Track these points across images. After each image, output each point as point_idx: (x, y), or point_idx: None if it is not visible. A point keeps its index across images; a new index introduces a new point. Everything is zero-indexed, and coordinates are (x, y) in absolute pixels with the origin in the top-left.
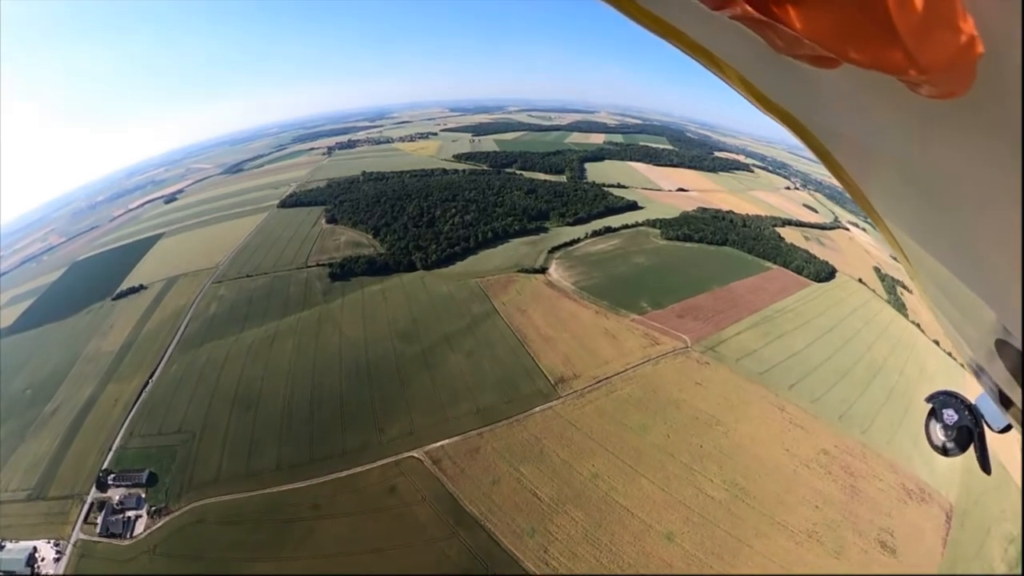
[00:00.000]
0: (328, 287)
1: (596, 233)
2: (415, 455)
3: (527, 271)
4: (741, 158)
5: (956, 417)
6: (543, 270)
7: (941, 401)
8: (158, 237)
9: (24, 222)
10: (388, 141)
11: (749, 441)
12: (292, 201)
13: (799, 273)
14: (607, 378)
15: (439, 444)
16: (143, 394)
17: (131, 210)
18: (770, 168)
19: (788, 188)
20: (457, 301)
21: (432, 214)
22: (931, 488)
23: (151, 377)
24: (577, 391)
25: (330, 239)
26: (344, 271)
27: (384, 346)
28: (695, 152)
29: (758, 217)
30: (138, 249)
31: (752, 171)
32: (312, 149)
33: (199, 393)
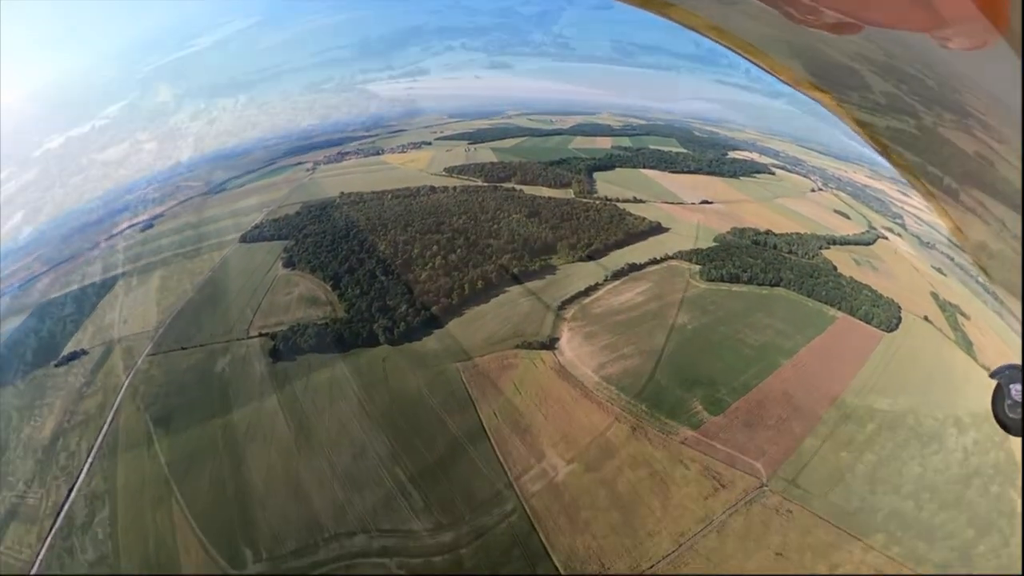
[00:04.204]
0: (267, 369)
1: (618, 274)
2: None
3: (530, 346)
4: (756, 157)
5: None
6: (552, 343)
7: (1008, 376)
8: (119, 278)
9: (32, 236)
10: (378, 152)
11: None
12: (255, 235)
13: (868, 322)
14: (651, 570)
15: None
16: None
17: (112, 236)
18: (789, 167)
19: (813, 191)
20: (427, 411)
21: (409, 252)
22: None
23: (57, 518)
24: None
25: (283, 292)
26: (289, 347)
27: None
28: (710, 155)
29: (799, 236)
30: (96, 293)
31: (773, 172)
32: (299, 164)
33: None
